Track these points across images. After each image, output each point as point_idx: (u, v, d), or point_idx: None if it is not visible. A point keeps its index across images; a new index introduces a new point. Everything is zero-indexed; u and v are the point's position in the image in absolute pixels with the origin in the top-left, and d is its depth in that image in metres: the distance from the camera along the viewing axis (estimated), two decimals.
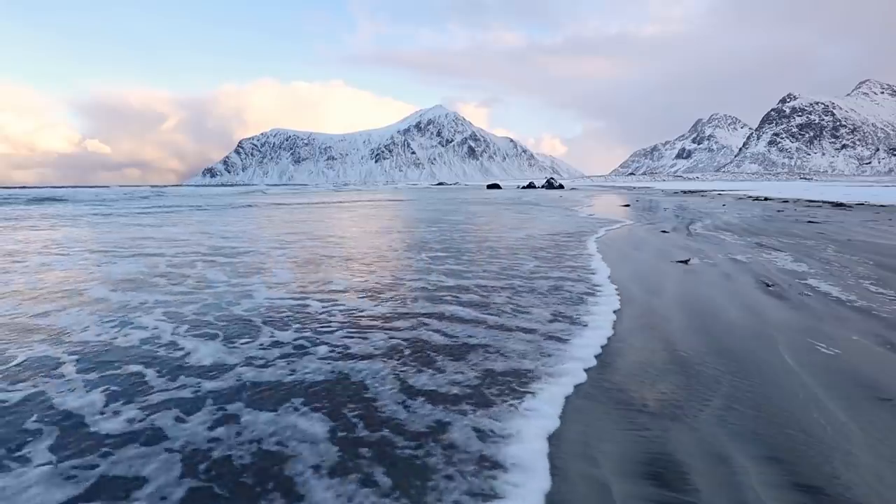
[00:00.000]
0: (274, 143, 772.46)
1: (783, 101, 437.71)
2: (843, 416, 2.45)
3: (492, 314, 4.23)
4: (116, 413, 2.55)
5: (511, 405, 2.56)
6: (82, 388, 2.84)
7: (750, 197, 29.34)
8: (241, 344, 3.57)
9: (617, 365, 3.13)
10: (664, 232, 10.72)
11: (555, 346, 3.44)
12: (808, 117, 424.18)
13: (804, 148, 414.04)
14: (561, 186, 65.15)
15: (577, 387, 2.79)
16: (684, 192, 43.08)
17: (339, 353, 3.37)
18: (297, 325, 3.99)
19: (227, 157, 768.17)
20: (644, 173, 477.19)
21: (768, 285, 5.29)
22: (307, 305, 4.63)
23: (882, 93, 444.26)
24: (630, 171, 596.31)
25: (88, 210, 20.17)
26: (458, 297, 4.86)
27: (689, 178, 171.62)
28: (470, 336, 3.65)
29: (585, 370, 3.00)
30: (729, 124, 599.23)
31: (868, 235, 9.60)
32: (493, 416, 2.46)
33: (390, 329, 3.85)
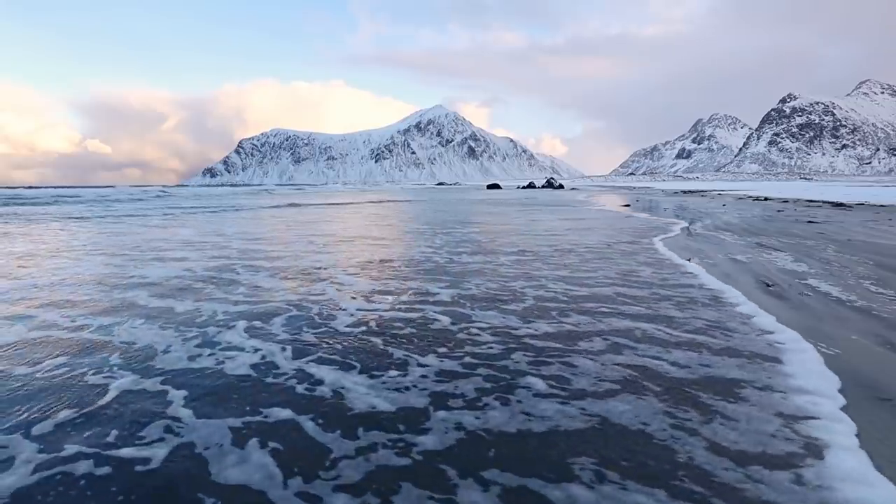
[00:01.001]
0: (274, 143, 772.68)
1: (783, 101, 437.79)
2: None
3: (689, 332, 3.64)
4: (319, 497, 1.83)
5: (835, 481, 1.94)
6: (231, 447, 2.14)
7: (750, 197, 29.33)
8: (394, 376, 2.92)
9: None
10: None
11: (782, 372, 2.95)
12: (808, 117, 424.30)
13: (804, 148, 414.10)
14: (561, 186, 65.21)
15: (858, 436, 2.27)
16: (684, 192, 43.08)
17: (562, 388, 2.72)
18: (443, 349, 3.36)
19: (227, 157, 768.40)
20: (644, 173, 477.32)
21: (768, 285, 5.29)
22: (432, 320, 3.98)
23: (882, 93, 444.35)
24: (630, 171, 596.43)
25: (104, 211, 20.07)
26: (617, 308, 4.29)
27: (689, 178, 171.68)
28: (703, 365, 3.02)
29: (842, 408, 2.52)
30: (729, 124, 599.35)
31: (868, 235, 9.60)
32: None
33: (588, 353, 3.24)
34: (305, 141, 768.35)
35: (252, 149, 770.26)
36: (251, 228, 12.16)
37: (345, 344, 3.51)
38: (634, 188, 62.85)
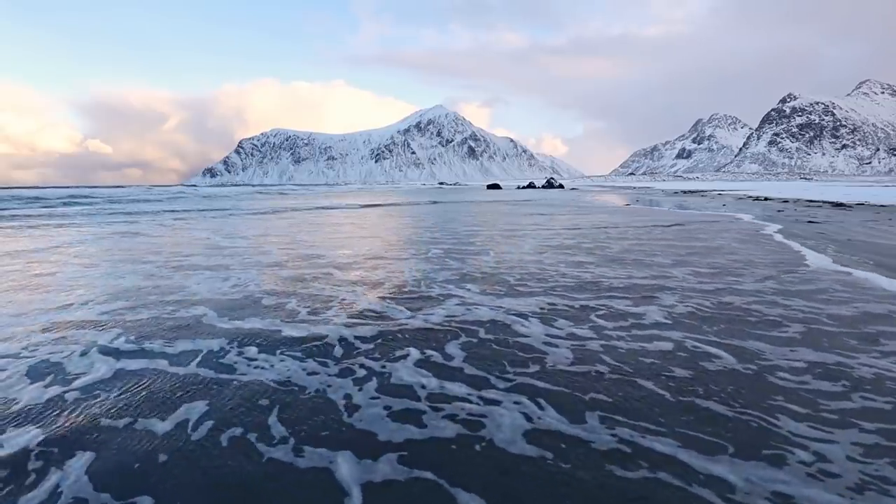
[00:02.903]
0: (274, 143, 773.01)
1: (783, 101, 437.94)
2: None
3: None
4: None
5: None
6: None
7: (750, 197, 29.32)
8: (809, 460, 1.99)
9: None
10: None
11: None
12: (808, 117, 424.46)
13: (804, 148, 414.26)
14: (561, 186, 65.31)
15: None
16: (684, 192, 43.06)
17: None
18: (793, 406, 2.40)
19: (227, 157, 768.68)
20: (644, 173, 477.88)
21: None
22: (697, 355, 3.07)
23: (882, 93, 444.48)
24: (630, 171, 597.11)
25: (141, 213, 19.93)
26: None
27: (689, 178, 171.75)
28: None
29: None
30: (729, 124, 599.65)
31: (868, 235, 9.60)
32: None
33: None
34: (305, 141, 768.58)
35: (252, 149, 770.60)
36: (294, 232, 11.94)
37: (619, 395, 2.49)
38: (635, 188, 62.81)
